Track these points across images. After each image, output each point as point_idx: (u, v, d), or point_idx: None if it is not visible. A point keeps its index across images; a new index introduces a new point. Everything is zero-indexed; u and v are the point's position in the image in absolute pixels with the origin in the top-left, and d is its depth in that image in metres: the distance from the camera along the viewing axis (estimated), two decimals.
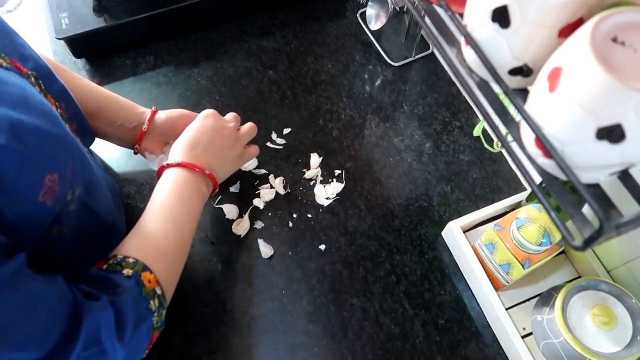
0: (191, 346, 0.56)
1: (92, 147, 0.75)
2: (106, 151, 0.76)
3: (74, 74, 0.67)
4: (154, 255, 0.51)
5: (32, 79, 0.49)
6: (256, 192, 0.73)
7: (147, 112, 0.69)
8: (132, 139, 0.69)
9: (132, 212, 0.71)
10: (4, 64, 0.45)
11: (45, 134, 0.42)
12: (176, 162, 0.59)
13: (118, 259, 0.48)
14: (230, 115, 0.70)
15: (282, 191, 0.74)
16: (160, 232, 0.54)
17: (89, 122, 0.63)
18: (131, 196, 0.73)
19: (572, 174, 0.30)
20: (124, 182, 0.74)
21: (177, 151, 0.62)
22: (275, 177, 0.75)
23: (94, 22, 0.81)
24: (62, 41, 0.81)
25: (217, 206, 0.72)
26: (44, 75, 0.52)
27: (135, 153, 0.70)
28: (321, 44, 0.90)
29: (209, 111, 0.66)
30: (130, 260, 0.49)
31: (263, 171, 0.75)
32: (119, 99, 0.68)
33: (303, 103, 0.83)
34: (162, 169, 0.61)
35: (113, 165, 0.75)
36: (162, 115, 0.69)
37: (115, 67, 0.86)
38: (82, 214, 0.48)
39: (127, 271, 0.47)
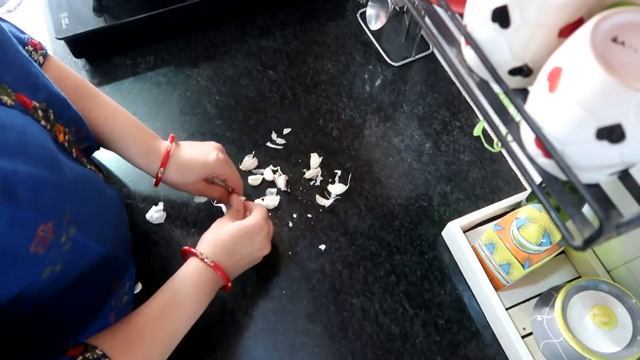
0: (191, 346, 0.56)
1: None
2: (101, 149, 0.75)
3: (103, 97, 0.64)
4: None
5: (40, 112, 0.47)
6: (261, 197, 0.74)
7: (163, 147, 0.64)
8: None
9: (131, 212, 0.71)
10: (9, 101, 0.43)
11: (42, 183, 0.40)
12: (211, 261, 0.57)
13: (95, 355, 0.45)
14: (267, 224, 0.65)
15: (283, 188, 0.74)
16: (153, 339, 0.52)
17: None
18: (131, 196, 0.73)
19: (572, 174, 0.30)
20: (123, 181, 0.74)
21: (212, 249, 0.59)
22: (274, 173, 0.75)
23: (94, 22, 0.81)
24: (62, 41, 0.81)
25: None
26: (55, 104, 0.50)
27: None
28: (321, 44, 0.90)
29: (261, 221, 0.62)
30: None
31: (262, 171, 0.75)
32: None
33: (303, 103, 0.83)
34: (186, 253, 0.59)
35: (112, 165, 0.75)
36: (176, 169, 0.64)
37: (115, 67, 0.86)
38: (76, 249, 0.46)
39: None
